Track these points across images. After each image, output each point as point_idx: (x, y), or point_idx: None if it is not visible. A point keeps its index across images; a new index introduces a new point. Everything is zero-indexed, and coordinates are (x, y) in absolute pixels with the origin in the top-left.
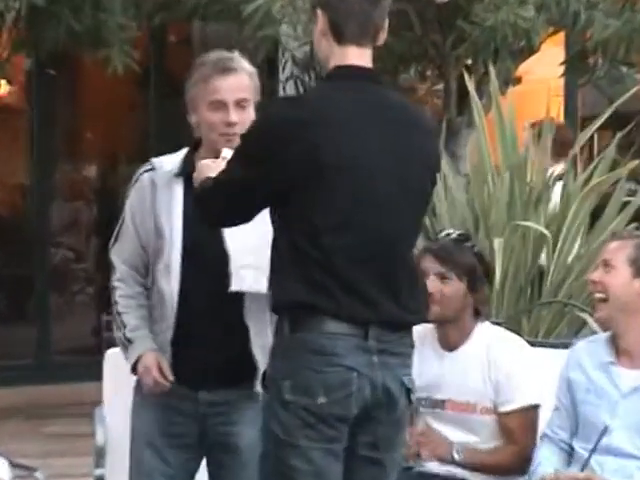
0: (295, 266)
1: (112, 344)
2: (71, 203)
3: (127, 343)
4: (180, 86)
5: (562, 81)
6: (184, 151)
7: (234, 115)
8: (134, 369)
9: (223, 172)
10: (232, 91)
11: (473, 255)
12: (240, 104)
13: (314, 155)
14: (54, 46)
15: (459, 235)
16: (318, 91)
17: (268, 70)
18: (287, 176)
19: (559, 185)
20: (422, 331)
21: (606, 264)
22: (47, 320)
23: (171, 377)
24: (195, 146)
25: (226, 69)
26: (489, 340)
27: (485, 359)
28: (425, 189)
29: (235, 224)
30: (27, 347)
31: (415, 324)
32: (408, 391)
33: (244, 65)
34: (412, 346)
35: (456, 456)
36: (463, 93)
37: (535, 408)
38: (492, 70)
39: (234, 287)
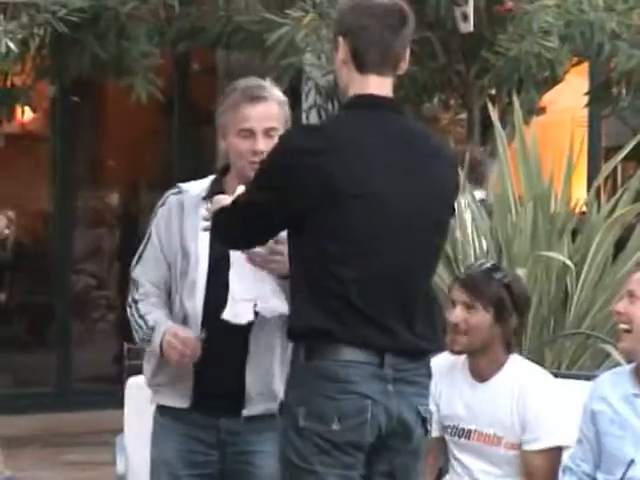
0: (311, 294)
1: (134, 372)
2: (93, 230)
3: (150, 332)
4: (204, 114)
5: (586, 111)
6: (211, 177)
7: (262, 144)
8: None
9: (241, 195)
10: (261, 120)
11: (502, 286)
12: (268, 133)
13: (329, 182)
14: (78, 73)
15: (490, 266)
16: (336, 119)
17: (291, 99)
18: (303, 202)
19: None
20: (454, 360)
21: (631, 295)
22: (68, 347)
23: (202, 336)
24: (224, 171)
25: (255, 97)
26: (520, 374)
27: (515, 394)
28: (442, 218)
29: (250, 246)
30: (48, 374)
31: (431, 352)
32: (424, 420)
33: (274, 93)
34: (429, 375)
35: None
36: (487, 123)
37: (560, 449)
38: (516, 100)
39: (224, 316)
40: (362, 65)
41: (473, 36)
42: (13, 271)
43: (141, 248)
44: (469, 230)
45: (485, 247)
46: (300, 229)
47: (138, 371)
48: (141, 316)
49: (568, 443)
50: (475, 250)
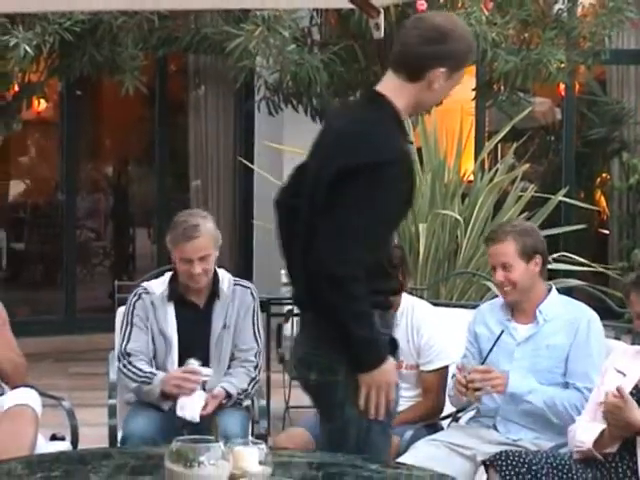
0: None
1: (122, 303)
2: (92, 195)
3: (150, 375)
4: (178, 104)
5: (474, 103)
6: (167, 276)
7: (197, 268)
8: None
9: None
10: (195, 252)
11: (400, 249)
12: (203, 258)
13: None
14: (80, 72)
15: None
16: None
17: (246, 92)
18: None
19: None
20: None
21: (505, 266)
22: (73, 285)
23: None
24: (175, 273)
25: (190, 237)
26: (412, 311)
27: (409, 327)
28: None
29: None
30: (58, 306)
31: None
32: None
33: (207, 228)
34: None
35: None
36: None
37: (448, 367)
38: None
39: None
40: None
41: (386, 43)
42: (30, 226)
43: (126, 332)
44: None
45: None
46: None
47: (125, 302)
48: (137, 367)
49: (454, 361)
50: None
